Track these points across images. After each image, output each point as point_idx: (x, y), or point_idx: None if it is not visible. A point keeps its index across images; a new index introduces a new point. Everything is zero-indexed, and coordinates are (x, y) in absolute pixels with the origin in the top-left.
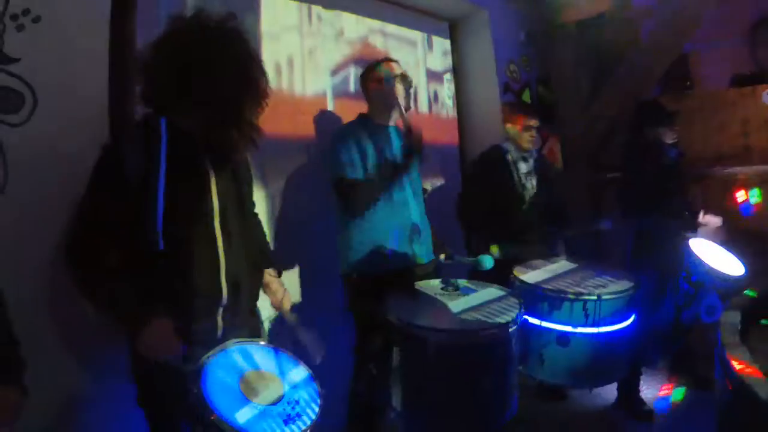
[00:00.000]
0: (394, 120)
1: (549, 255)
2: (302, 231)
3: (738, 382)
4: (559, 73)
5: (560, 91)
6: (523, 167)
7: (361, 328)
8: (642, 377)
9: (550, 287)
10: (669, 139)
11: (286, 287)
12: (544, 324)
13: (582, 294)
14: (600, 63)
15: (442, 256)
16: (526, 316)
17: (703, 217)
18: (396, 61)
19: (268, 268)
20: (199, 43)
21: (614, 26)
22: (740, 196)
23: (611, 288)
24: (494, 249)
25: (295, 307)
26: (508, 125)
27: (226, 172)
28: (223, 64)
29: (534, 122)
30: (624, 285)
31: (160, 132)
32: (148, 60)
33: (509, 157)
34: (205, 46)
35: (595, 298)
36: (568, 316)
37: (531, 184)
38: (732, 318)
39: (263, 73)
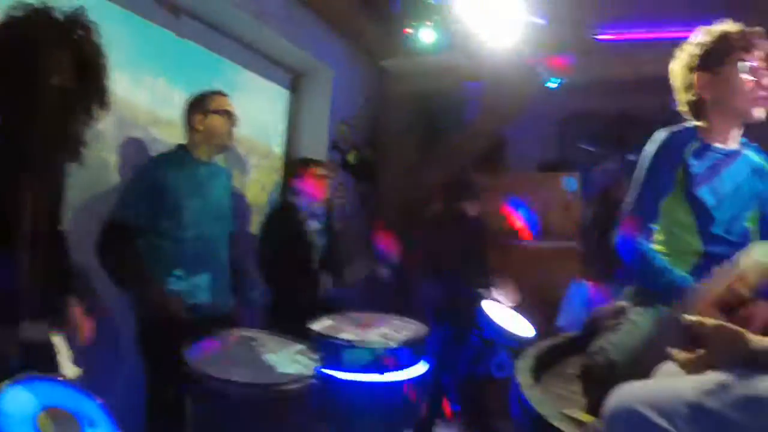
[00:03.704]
0: (214, 156)
1: (334, 307)
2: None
3: (534, 414)
4: (388, 139)
5: (386, 155)
6: (313, 224)
7: (154, 374)
8: (435, 427)
9: (342, 337)
10: (473, 211)
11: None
12: (339, 375)
13: (370, 342)
14: (427, 134)
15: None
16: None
17: (498, 287)
18: (226, 95)
19: (69, 294)
20: (39, 37)
21: (444, 103)
22: None
23: (398, 336)
24: None
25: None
26: (297, 180)
27: (45, 182)
28: (63, 63)
29: (325, 171)
30: (411, 334)
31: None
32: None
33: (300, 215)
34: (46, 41)
35: (383, 346)
36: (359, 365)
37: (320, 242)
38: (526, 364)
39: (107, 82)
